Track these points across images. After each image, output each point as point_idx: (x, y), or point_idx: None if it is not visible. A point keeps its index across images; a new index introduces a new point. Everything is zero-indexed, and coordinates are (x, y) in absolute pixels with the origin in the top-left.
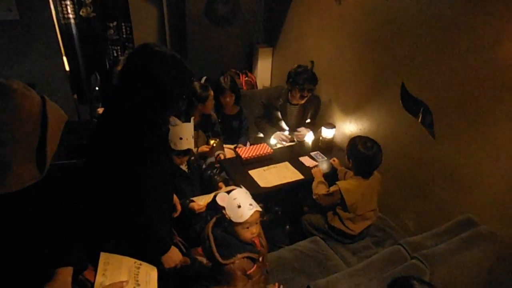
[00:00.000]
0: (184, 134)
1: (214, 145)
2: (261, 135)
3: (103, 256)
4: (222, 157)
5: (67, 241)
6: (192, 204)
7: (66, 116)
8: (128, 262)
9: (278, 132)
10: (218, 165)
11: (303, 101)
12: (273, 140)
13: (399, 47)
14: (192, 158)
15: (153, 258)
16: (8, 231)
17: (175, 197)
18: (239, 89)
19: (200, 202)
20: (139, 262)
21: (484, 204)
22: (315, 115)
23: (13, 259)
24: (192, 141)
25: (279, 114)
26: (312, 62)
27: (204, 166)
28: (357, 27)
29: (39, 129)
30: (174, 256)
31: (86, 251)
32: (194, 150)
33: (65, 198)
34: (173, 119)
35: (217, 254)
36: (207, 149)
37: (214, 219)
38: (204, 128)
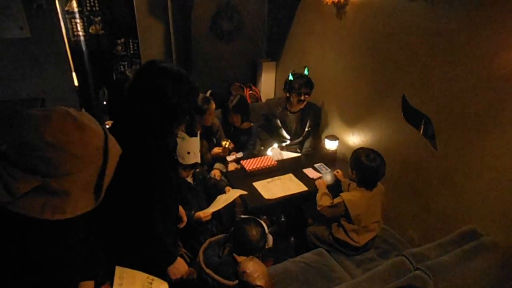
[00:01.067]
0: (192, 148)
1: (227, 145)
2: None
3: (118, 270)
4: (215, 174)
5: (92, 256)
6: (198, 213)
7: (121, 150)
8: (142, 277)
9: (275, 148)
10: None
11: (302, 106)
12: (269, 152)
13: (399, 59)
14: (198, 170)
15: (159, 269)
16: (47, 251)
17: (181, 208)
18: (247, 109)
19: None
20: (151, 277)
21: (487, 215)
22: (315, 125)
23: (46, 276)
24: (199, 154)
25: (278, 122)
26: (306, 67)
27: (208, 175)
28: (358, 41)
29: (101, 162)
30: (180, 267)
31: (106, 264)
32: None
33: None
34: (181, 134)
35: (227, 282)
36: (220, 151)
37: (201, 256)
38: (207, 138)
